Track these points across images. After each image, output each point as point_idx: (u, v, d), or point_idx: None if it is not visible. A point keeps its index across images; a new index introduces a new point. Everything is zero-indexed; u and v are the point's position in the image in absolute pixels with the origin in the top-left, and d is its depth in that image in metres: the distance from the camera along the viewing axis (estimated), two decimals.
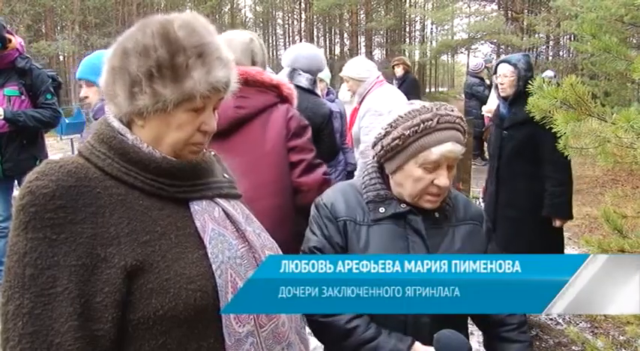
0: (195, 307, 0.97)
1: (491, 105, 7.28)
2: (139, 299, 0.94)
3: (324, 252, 1.42)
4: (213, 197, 1.09)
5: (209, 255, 1.01)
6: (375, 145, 1.46)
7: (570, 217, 3.29)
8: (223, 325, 0.99)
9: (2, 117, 3.41)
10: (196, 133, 1.04)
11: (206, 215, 1.05)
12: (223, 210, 1.09)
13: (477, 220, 1.50)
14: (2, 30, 3.46)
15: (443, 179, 1.35)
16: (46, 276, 0.89)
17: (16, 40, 3.60)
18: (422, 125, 1.34)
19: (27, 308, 0.87)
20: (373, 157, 1.51)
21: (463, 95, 10.45)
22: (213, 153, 1.20)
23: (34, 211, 0.91)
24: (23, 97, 3.63)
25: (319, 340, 1.49)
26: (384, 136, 1.42)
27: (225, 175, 1.19)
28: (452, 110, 1.40)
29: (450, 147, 1.34)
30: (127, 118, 1.03)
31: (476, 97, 8.74)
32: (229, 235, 1.07)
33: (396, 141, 1.37)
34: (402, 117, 1.39)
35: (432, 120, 1.34)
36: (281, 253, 1.18)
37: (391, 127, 1.40)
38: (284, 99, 1.94)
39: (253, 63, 1.98)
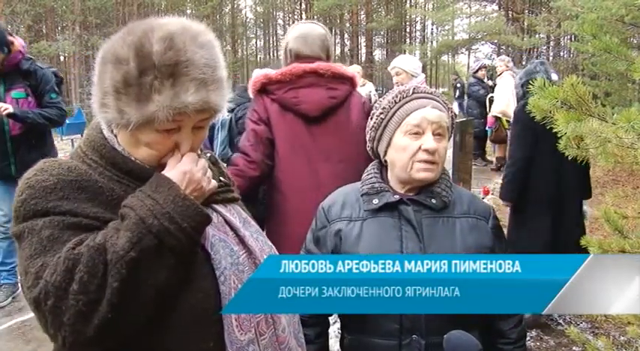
0: (197, 307, 0.96)
1: (499, 106, 7.33)
2: None
3: (313, 253, 1.48)
4: (209, 204, 1.07)
5: (212, 261, 1.00)
6: (367, 132, 1.54)
7: (509, 199, 3.42)
8: (225, 333, 0.99)
9: (10, 111, 3.42)
10: (170, 152, 1.00)
11: None
12: (221, 216, 1.08)
13: (482, 215, 1.49)
14: (5, 35, 3.47)
15: (429, 142, 1.39)
16: (67, 235, 0.88)
17: (18, 43, 3.61)
18: (399, 96, 1.45)
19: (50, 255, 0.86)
20: (369, 147, 1.55)
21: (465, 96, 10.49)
22: (209, 155, 1.19)
23: (35, 203, 0.90)
24: (29, 98, 3.67)
25: None
26: (371, 119, 1.52)
27: (222, 178, 1.17)
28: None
29: (429, 110, 1.41)
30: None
31: (472, 97, 8.80)
32: (230, 241, 1.06)
33: (380, 116, 1.47)
34: (383, 98, 1.51)
35: (408, 90, 1.45)
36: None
37: (376, 108, 1.51)
38: (354, 86, 2.39)
39: (328, 55, 2.34)
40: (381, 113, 1.47)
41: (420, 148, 1.39)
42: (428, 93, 1.46)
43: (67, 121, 11.20)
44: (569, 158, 1.82)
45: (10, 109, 3.42)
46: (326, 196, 1.57)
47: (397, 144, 1.43)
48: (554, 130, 1.77)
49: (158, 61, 0.91)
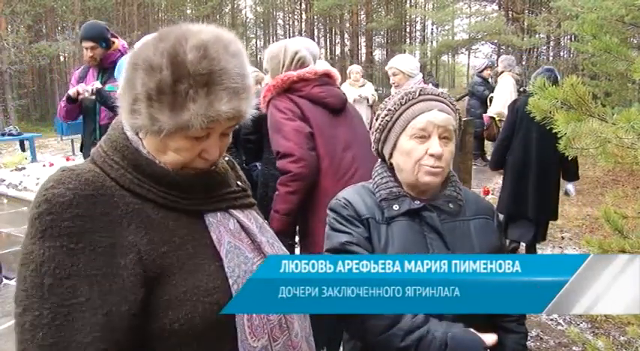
0: (212, 320, 0.96)
1: (496, 107, 7.33)
2: (154, 311, 0.93)
3: (360, 246, 1.39)
4: (227, 209, 1.08)
5: (225, 268, 1.00)
6: (372, 134, 1.52)
7: (492, 168, 4.96)
8: (239, 340, 0.98)
9: (97, 86, 3.65)
10: (196, 158, 1.01)
11: (222, 228, 1.04)
12: (238, 221, 1.08)
13: (488, 214, 1.50)
14: (107, 33, 3.83)
15: (435, 146, 1.36)
16: (66, 286, 0.86)
17: (119, 43, 3.88)
18: (405, 97, 1.42)
19: (47, 319, 0.83)
20: (374, 148, 1.53)
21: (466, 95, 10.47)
22: (227, 158, 1.19)
23: (51, 219, 0.88)
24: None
25: (356, 339, 1.45)
26: (376, 120, 1.49)
27: (239, 182, 1.17)
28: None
29: (436, 113, 1.38)
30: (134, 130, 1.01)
31: (476, 96, 8.77)
32: (245, 248, 1.05)
33: (386, 118, 1.45)
34: (389, 100, 1.48)
35: (414, 92, 1.42)
36: None
37: (381, 109, 1.48)
38: None
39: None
40: (387, 115, 1.44)
41: (426, 152, 1.37)
42: (435, 95, 1.42)
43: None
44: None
45: (98, 84, 3.67)
46: (346, 183, 1.51)
47: (402, 147, 1.41)
48: (550, 128, 1.78)
49: (193, 70, 0.91)
